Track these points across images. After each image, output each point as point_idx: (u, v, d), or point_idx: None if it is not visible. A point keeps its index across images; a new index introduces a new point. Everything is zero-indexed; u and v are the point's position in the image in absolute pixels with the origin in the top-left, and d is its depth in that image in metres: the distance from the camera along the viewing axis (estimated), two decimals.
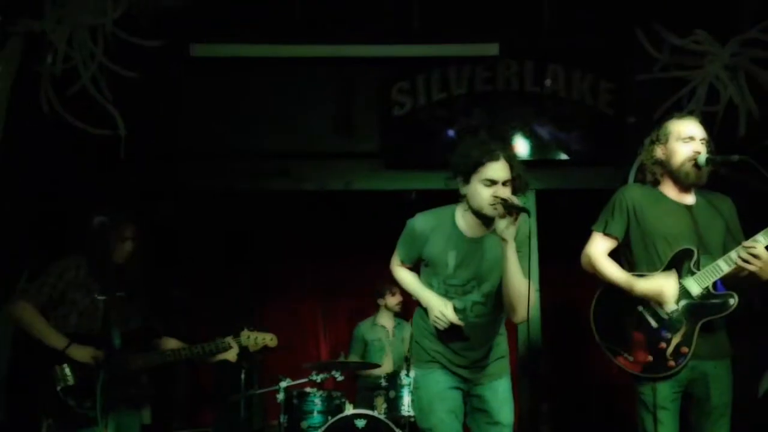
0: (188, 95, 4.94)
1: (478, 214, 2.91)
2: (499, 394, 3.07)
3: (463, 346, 3.04)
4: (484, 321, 3.03)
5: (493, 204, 2.80)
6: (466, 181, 2.90)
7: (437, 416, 3.01)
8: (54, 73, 4.41)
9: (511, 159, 2.89)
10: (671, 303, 2.96)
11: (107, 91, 4.51)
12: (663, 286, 2.97)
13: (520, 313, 2.88)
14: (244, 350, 3.99)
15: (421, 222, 3.04)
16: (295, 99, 4.99)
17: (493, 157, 2.84)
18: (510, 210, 2.75)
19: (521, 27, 5.05)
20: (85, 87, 4.45)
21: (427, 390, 3.06)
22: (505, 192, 2.83)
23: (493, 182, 2.83)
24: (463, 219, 2.99)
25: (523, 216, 2.81)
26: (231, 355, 3.94)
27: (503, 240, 2.79)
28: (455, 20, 4.98)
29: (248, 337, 3.99)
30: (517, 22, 5.03)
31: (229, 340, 3.92)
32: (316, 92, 5.01)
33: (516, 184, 2.89)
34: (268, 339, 4.05)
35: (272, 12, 4.86)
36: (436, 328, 3.02)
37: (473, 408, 3.10)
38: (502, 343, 3.16)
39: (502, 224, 2.78)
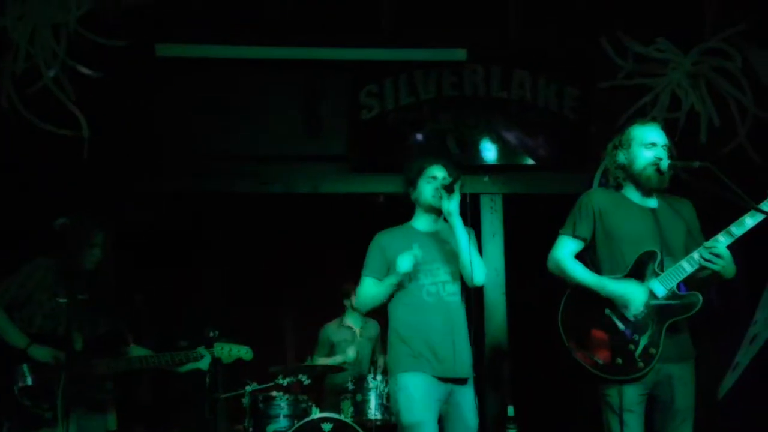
0: (154, 96, 4.88)
1: (427, 208, 3.50)
2: (470, 400, 3.39)
3: (438, 329, 3.33)
4: (455, 300, 3.42)
5: (436, 194, 3.42)
6: (414, 186, 3.52)
7: (420, 414, 3.23)
8: (15, 71, 4.33)
9: (446, 162, 3.54)
10: (637, 308, 3.01)
11: (70, 91, 4.44)
12: (630, 292, 3.02)
13: (475, 275, 3.37)
14: (216, 361, 3.94)
15: (381, 234, 3.55)
16: (262, 101, 4.96)
17: (432, 162, 3.53)
18: (449, 188, 3.36)
19: (488, 33, 5.09)
20: (47, 86, 4.38)
21: (415, 386, 3.28)
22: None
23: (434, 178, 3.47)
24: (418, 222, 3.56)
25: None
26: (203, 364, 3.89)
27: (449, 214, 3.36)
28: (423, 25, 5.00)
29: (222, 349, 3.94)
30: (484, 28, 5.07)
31: (201, 350, 3.87)
32: (284, 95, 4.99)
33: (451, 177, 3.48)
34: (243, 352, 4.00)
35: (240, 13, 4.83)
36: (413, 319, 3.35)
37: (447, 413, 3.36)
38: (469, 343, 3.44)
39: (445, 203, 3.37)
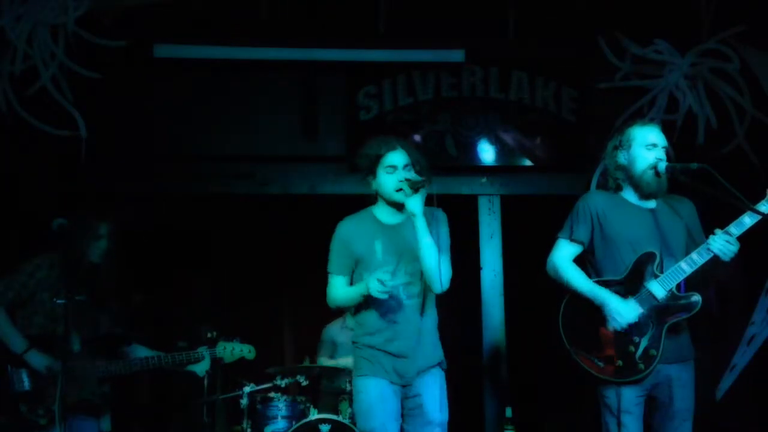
0: (152, 97, 4.87)
1: (389, 202, 3.19)
2: (434, 392, 3.18)
3: (401, 332, 3.15)
4: (415, 302, 3.19)
5: (399, 188, 3.10)
6: (374, 175, 3.19)
7: (378, 419, 3.10)
8: (13, 71, 4.32)
9: (407, 146, 3.23)
10: (621, 326, 3.00)
11: (68, 92, 4.44)
12: (624, 310, 3.01)
13: (437, 280, 3.08)
14: (218, 361, 3.91)
15: (342, 226, 3.29)
16: (260, 102, 4.96)
17: (390, 147, 3.18)
18: (415, 186, 3.05)
19: (486, 34, 5.09)
20: (45, 87, 4.37)
21: (367, 394, 3.15)
22: (408, 175, 3.12)
23: (394, 168, 3.13)
24: (381, 212, 3.26)
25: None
26: (201, 367, 3.86)
27: (413, 215, 3.07)
28: (421, 26, 5.00)
29: (224, 349, 3.90)
30: (482, 29, 5.07)
31: (202, 350, 3.84)
32: (282, 95, 4.98)
33: (416, 167, 3.18)
34: (246, 351, 3.96)
35: (238, 14, 4.82)
36: (373, 324, 3.17)
37: (409, 409, 3.19)
38: (436, 336, 3.27)
39: (409, 202, 3.07)
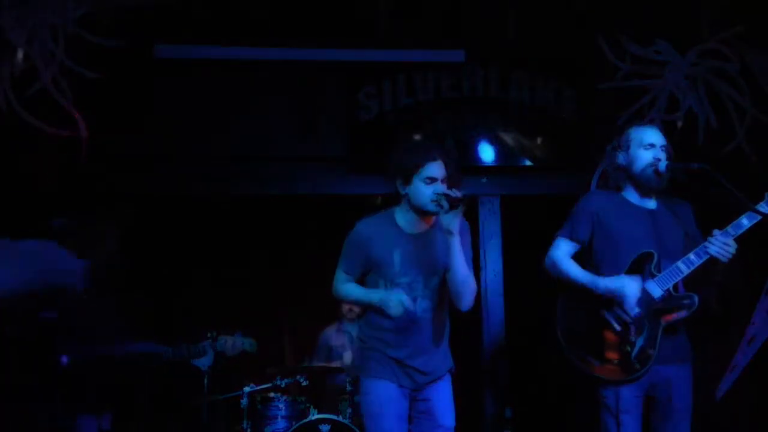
0: (153, 97, 4.87)
1: (419, 211, 3.09)
2: (443, 398, 3.16)
3: (412, 344, 3.10)
4: (431, 316, 3.13)
5: (435, 200, 2.99)
6: (407, 181, 3.07)
7: (387, 422, 3.06)
8: (13, 72, 4.32)
9: (446, 158, 3.10)
10: (633, 302, 3.02)
11: (68, 92, 4.44)
12: (625, 284, 3.03)
13: (467, 301, 3.06)
14: (220, 355, 3.91)
15: (362, 227, 3.18)
16: (261, 102, 4.96)
17: (432, 158, 3.05)
18: (453, 203, 2.92)
19: (486, 34, 5.09)
20: (45, 87, 4.37)
21: (377, 395, 3.11)
22: (443, 188, 3.03)
23: (433, 180, 3.02)
24: (404, 218, 3.15)
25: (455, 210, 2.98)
26: (204, 361, 3.86)
27: (448, 233, 2.97)
28: (421, 26, 5.01)
29: (225, 342, 3.91)
30: (482, 29, 5.07)
31: (205, 345, 3.85)
32: (282, 95, 4.98)
33: (452, 180, 3.08)
34: (247, 344, 3.97)
35: (239, 15, 4.83)
36: (384, 331, 3.11)
37: (418, 412, 3.16)
38: (446, 345, 3.22)
39: (446, 218, 2.96)
